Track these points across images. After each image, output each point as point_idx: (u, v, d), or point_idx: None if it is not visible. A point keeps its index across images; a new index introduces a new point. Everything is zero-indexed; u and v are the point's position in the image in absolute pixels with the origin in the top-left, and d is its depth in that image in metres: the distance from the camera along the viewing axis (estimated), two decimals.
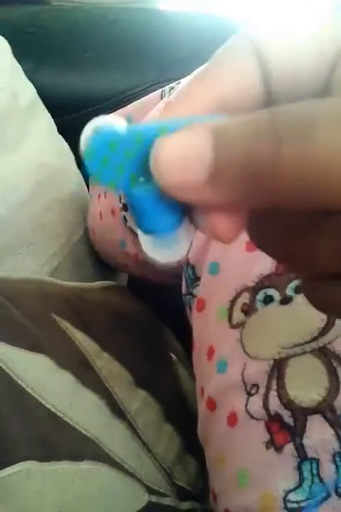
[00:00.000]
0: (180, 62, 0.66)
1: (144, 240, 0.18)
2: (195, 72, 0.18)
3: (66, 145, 0.63)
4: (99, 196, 0.55)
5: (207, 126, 0.15)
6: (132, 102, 0.56)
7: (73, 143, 0.63)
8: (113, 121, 0.17)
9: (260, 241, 0.18)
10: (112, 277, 0.63)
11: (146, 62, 0.69)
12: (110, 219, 0.52)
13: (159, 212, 0.17)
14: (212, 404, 0.34)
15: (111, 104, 0.65)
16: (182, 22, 0.74)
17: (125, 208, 0.48)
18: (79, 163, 0.63)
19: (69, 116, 0.67)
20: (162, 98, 0.48)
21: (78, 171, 0.63)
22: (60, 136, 0.63)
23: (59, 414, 0.34)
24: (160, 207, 0.16)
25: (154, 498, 0.37)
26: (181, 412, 0.45)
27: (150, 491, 0.37)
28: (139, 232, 0.17)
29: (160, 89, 0.50)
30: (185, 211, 0.17)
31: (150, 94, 0.51)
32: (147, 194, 0.16)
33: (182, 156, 0.15)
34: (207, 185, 0.14)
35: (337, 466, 0.28)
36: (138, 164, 0.16)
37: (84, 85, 0.68)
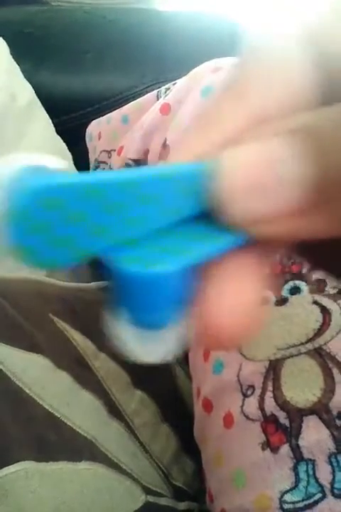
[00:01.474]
0: (178, 63, 0.66)
1: (124, 330, 0.13)
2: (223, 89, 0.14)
3: (64, 145, 0.63)
4: None
5: (294, 129, 0.11)
6: (130, 102, 0.56)
7: (71, 143, 0.63)
8: (38, 164, 0.12)
9: (320, 262, 0.15)
10: None
11: (145, 62, 0.69)
12: None
13: (158, 297, 0.12)
14: (208, 405, 0.34)
15: (109, 104, 0.65)
16: (180, 22, 0.74)
17: None
18: (77, 164, 0.63)
19: (67, 116, 0.67)
20: (158, 99, 0.48)
21: (76, 172, 0.63)
22: (58, 136, 0.63)
23: (56, 414, 0.34)
24: (159, 289, 0.12)
25: (151, 498, 0.38)
26: (178, 412, 0.45)
27: (148, 491, 0.37)
28: (118, 319, 0.12)
29: (157, 90, 0.50)
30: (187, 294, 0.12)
31: (146, 95, 0.52)
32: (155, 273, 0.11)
33: (268, 175, 0.11)
34: (307, 210, 0.10)
35: (332, 467, 0.28)
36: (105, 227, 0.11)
37: (83, 86, 0.68)
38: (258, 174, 0.11)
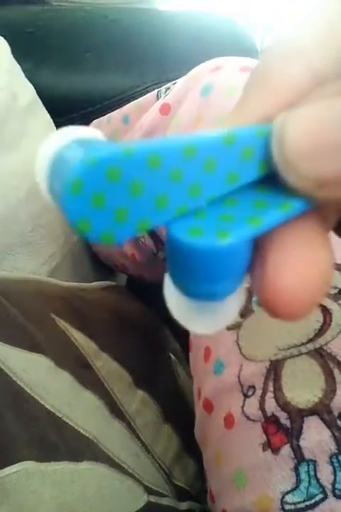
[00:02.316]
0: (180, 62, 0.66)
1: (179, 302, 0.12)
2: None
3: None
4: None
5: None
6: (132, 101, 0.56)
7: None
8: (87, 134, 0.12)
9: None
10: (111, 277, 0.63)
11: (146, 62, 0.69)
12: None
13: (222, 268, 0.12)
14: (208, 406, 0.34)
15: (110, 104, 0.65)
16: (182, 22, 0.74)
17: None
18: None
19: (69, 116, 0.67)
20: (158, 98, 0.48)
21: None
22: None
23: (58, 414, 0.34)
24: (224, 261, 0.11)
25: (153, 498, 0.37)
26: (180, 412, 0.45)
27: (149, 491, 0.37)
28: (173, 290, 0.12)
29: (157, 90, 0.50)
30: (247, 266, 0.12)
31: (146, 95, 0.51)
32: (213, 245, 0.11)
33: (335, 134, 0.10)
34: None
35: (334, 468, 0.28)
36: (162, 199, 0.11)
37: (84, 85, 0.68)
38: (325, 133, 0.10)
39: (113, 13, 0.75)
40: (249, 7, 0.88)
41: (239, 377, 0.32)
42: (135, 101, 0.53)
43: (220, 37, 0.68)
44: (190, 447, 0.42)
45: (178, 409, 0.45)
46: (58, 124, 0.63)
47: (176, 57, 0.68)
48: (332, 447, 0.28)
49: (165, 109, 0.44)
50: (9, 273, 0.46)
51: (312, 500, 0.28)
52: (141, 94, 0.60)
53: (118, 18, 0.73)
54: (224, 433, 0.32)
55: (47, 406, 0.34)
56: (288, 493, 0.28)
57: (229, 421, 0.32)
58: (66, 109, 0.66)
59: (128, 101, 0.61)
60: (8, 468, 0.30)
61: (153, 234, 0.47)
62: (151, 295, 0.55)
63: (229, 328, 0.33)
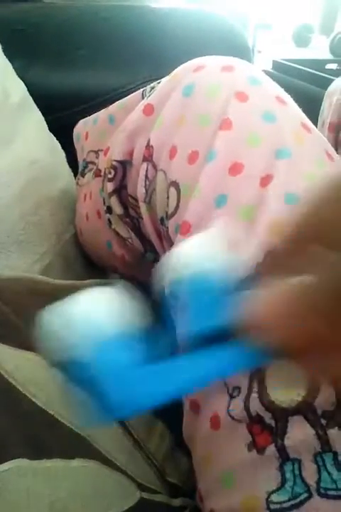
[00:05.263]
0: (172, 60, 0.65)
1: None
2: None
3: (57, 143, 0.63)
4: (85, 197, 0.55)
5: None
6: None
7: (64, 140, 0.63)
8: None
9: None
10: (103, 276, 0.63)
11: (138, 59, 0.69)
12: (96, 221, 0.52)
13: None
14: (195, 407, 0.34)
15: (102, 101, 0.65)
16: (174, 19, 0.74)
17: (109, 210, 0.48)
18: (70, 161, 0.63)
19: (61, 113, 0.66)
20: (143, 98, 0.48)
21: (69, 169, 0.63)
22: (51, 134, 0.62)
23: (50, 411, 0.34)
24: None
25: (146, 495, 0.37)
26: (173, 409, 0.45)
27: (142, 487, 0.37)
28: None
29: (142, 89, 0.49)
30: None
31: (131, 94, 0.51)
32: None
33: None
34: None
35: (318, 466, 0.28)
36: None
37: (76, 83, 0.68)
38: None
39: (105, 10, 0.75)
40: (241, 5, 0.88)
41: None
42: (120, 101, 0.53)
43: (212, 34, 0.68)
44: (183, 444, 0.42)
45: (171, 406, 0.45)
46: (50, 122, 0.63)
47: (168, 54, 0.68)
48: (317, 446, 0.28)
49: (149, 110, 0.43)
50: (1, 271, 0.46)
51: (298, 500, 0.28)
52: (133, 92, 0.60)
53: (110, 15, 0.73)
54: (210, 434, 0.32)
55: (39, 403, 0.34)
56: (273, 492, 0.28)
57: (215, 422, 0.32)
58: (57, 106, 0.66)
59: (120, 98, 0.61)
60: (0, 466, 0.30)
61: (139, 233, 0.46)
62: (145, 294, 0.55)
63: None
